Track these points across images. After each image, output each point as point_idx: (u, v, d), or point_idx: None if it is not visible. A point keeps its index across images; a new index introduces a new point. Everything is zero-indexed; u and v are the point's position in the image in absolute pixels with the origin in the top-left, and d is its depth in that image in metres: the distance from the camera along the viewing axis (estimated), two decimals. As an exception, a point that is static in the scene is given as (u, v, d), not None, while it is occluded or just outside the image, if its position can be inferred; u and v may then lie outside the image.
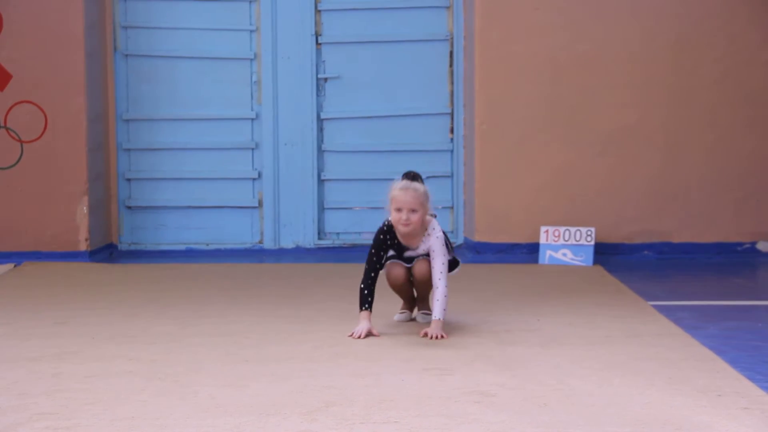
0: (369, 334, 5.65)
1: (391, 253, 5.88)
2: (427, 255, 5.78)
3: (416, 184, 5.70)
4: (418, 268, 5.82)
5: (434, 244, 5.76)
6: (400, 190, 5.66)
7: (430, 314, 5.84)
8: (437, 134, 9.08)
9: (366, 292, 5.70)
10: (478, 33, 8.53)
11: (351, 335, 5.65)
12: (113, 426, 4.18)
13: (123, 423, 4.21)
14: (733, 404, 4.44)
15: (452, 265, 5.92)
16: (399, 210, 5.65)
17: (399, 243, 5.80)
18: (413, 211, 5.63)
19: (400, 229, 5.68)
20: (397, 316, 6.13)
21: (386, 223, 5.80)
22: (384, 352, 5.33)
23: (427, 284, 5.85)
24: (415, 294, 6.11)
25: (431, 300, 5.79)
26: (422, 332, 5.65)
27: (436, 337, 5.57)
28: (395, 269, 5.88)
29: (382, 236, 5.80)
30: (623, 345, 5.51)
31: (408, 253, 5.84)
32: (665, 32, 8.48)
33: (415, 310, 6.16)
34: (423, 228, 5.75)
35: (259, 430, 4.10)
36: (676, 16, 8.47)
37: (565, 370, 5.00)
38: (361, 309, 5.70)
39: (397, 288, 6.00)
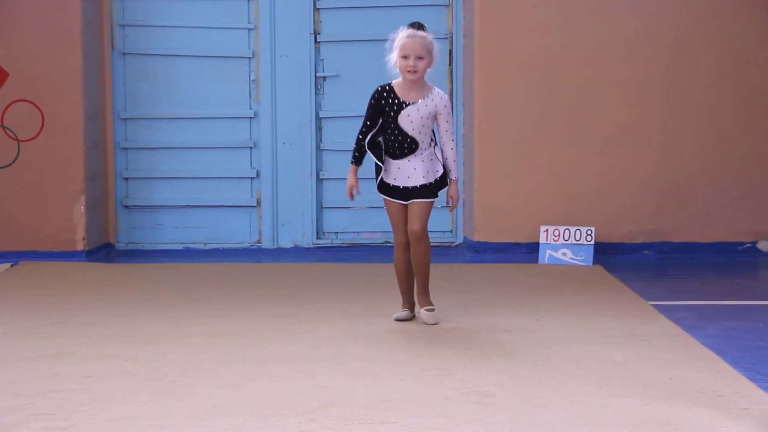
0: (351, 189, 6.01)
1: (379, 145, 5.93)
2: (424, 132, 5.89)
3: (422, 33, 5.81)
4: (414, 219, 5.87)
5: (441, 103, 5.90)
6: (407, 38, 5.77)
7: (434, 309, 5.97)
8: (436, 133, 9.05)
9: (356, 147, 5.98)
10: (477, 32, 8.53)
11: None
12: (110, 427, 4.18)
13: (120, 423, 4.21)
14: (734, 405, 4.44)
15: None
16: (406, 57, 5.76)
17: (398, 99, 5.86)
18: (420, 58, 5.76)
19: (407, 77, 5.78)
20: (397, 314, 6.08)
21: (382, 85, 5.93)
22: (383, 353, 5.33)
23: (421, 249, 5.91)
24: (413, 293, 6.05)
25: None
26: (448, 201, 5.99)
27: (455, 202, 5.97)
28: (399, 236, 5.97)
29: (377, 94, 5.91)
30: (623, 345, 5.51)
31: (406, 112, 5.84)
32: (664, 32, 8.48)
33: (417, 308, 6.09)
34: (425, 84, 5.89)
35: (257, 431, 4.11)
36: (675, 16, 8.47)
37: (565, 371, 5.00)
38: (351, 161, 6.02)
39: (400, 256, 6.01)
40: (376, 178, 6.03)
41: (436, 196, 5.99)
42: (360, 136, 5.96)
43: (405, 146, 5.92)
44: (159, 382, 4.83)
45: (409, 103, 5.87)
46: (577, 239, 8.29)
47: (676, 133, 8.54)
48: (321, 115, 9.09)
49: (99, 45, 8.85)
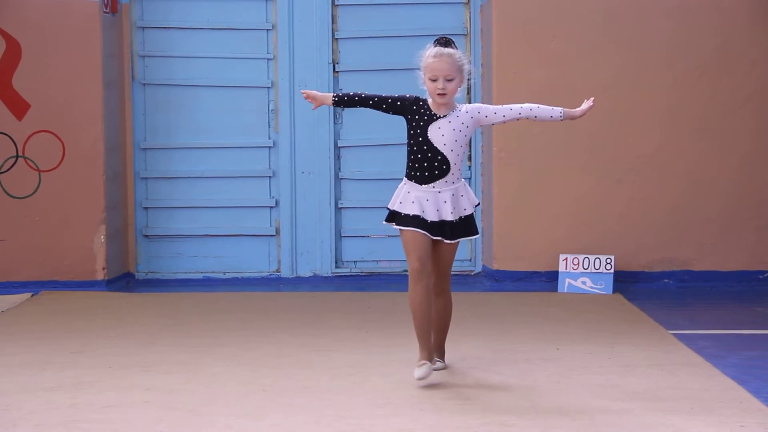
0: (313, 100, 5.58)
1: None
2: (455, 142, 5.36)
3: (450, 50, 5.38)
4: (444, 252, 5.38)
5: (473, 110, 5.42)
6: (433, 58, 5.36)
7: (443, 362, 5.54)
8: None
9: (352, 93, 5.64)
10: (495, 61, 8.54)
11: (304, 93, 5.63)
12: (130, 457, 4.17)
13: (140, 454, 4.21)
14: (756, 435, 4.41)
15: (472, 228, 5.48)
16: (434, 79, 5.33)
17: (430, 111, 5.40)
18: (449, 80, 5.33)
19: (437, 99, 5.35)
20: (419, 373, 5.18)
21: (418, 96, 5.51)
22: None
23: (445, 280, 5.45)
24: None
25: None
26: (584, 110, 5.60)
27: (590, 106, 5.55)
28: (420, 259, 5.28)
29: (412, 98, 5.50)
30: (644, 374, 5.49)
31: (437, 124, 5.36)
32: (684, 59, 8.47)
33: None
34: (454, 103, 5.44)
35: (277, 461, 4.09)
36: (694, 44, 8.47)
37: (585, 401, 4.98)
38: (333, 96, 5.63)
39: (415, 307, 5.26)
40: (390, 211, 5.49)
41: (474, 233, 5.43)
42: (362, 93, 5.61)
43: (435, 166, 5.34)
44: (178, 412, 4.83)
45: (441, 116, 5.38)
46: (597, 268, 8.27)
47: (696, 161, 8.51)
48: (339, 144, 9.11)
49: (119, 76, 8.89)
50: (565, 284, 8.30)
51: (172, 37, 9.08)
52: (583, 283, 8.27)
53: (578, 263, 8.32)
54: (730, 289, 8.35)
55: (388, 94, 5.53)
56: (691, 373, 5.50)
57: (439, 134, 5.35)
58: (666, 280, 8.54)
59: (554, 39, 8.50)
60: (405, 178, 5.44)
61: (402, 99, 5.50)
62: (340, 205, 9.12)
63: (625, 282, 8.40)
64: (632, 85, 8.50)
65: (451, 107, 5.39)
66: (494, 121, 5.46)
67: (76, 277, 8.49)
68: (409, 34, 9.02)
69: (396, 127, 9.04)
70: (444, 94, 5.31)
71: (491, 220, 8.60)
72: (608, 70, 8.49)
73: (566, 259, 8.34)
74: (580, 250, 8.40)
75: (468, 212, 5.38)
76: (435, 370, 5.29)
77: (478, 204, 5.52)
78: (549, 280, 8.43)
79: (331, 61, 9.05)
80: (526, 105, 5.43)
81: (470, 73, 5.47)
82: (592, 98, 5.53)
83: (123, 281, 8.87)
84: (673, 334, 6.54)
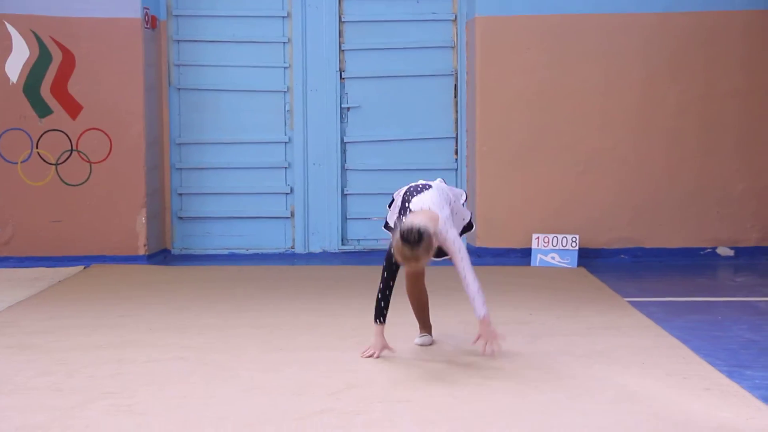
0: (384, 349, 4.91)
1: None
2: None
3: (417, 253, 4.55)
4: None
5: (449, 246, 4.72)
6: (402, 260, 4.64)
7: (428, 335, 5.24)
8: (444, 155, 9.08)
9: (383, 303, 4.85)
10: (478, 69, 8.54)
11: (365, 354, 4.91)
12: (167, 403, 4.19)
13: (175, 401, 4.23)
14: (697, 386, 4.43)
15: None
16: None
17: None
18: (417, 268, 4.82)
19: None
20: (418, 339, 5.27)
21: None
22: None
23: (417, 284, 5.05)
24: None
25: (470, 300, 4.76)
26: (476, 340, 4.76)
27: (490, 341, 4.69)
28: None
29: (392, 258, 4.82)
30: (603, 335, 5.50)
31: None
32: (636, 69, 8.47)
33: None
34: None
35: (292, 408, 4.11)
36: (645, 56, 8.46)
37: (554, 357, 4.99)
38: (375, 321, 4.89)
39: (412, 284, 5.10)
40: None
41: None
42: (384, 290, 4.87)
43: None
44: (208, 366, 4.84)
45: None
46: (564, 245, 8.27)
47: (647, 155, 8.52)
48: (345, 140, 9.10)
49: (158, 82, 8.89)
50: (537, 259, 8.31)
51: (202, 49, 9.07)
52: (552, 258, 8.27)
53: (548, 241, 8.32)
54: (676, 263, 8.37)
55: (391, 265, 4.82)
56: (642, 335, 5.51)
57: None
58: (622, 256, 8.55)
59: (529, 50, 8.49)
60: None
61: (391, 265, 4.83)
62: (345, 192, 9.12)
63: (588, 257, 8.41)
64: (595, 90, 8.49)
65: None
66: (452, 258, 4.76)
67: (121, 252, 8.50)
68: (405, 47, 9.01)
69: (394, 126, 9.07)
70: (415, 269, 4.84)
71: (474, 204, 8.60)
72: (573, 78, 8.49)
73: (538, 237, 8.35)
74: (550, 230, 8.41)
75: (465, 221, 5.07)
76: (422, 345, 5.15)
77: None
78: (523, 255, 8.45)
79: (338, 69, 9.04)
80: (472, 287, 4.69)
81: (433, 248, 4.63)
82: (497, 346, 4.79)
83: (161, 256, 8.89)
84: (628, 301, 6.55)
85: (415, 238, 4.52)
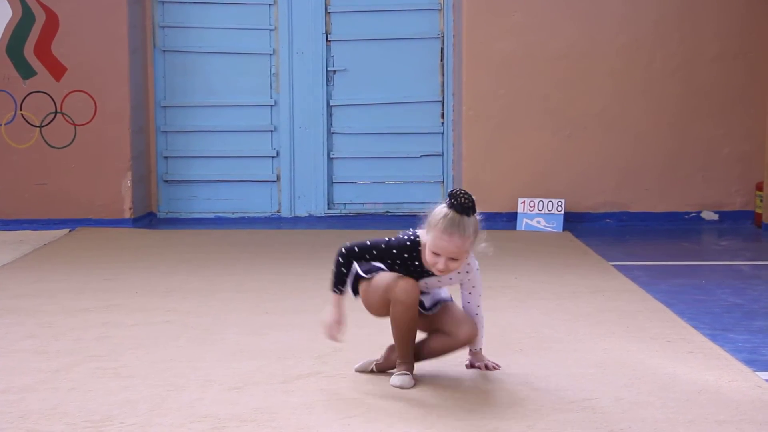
0: (340, 327, 3.95)
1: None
2: (446, 289, 4.03)
3: (465, 223, 3.72)
4: (468, 325, 3.92)
5: (474, 278, 3.95)
6: (443, 234, 3.68)
7: (408, 374, 3.91)
8: (430, 119, 9.06)
9: (342, 269, 3.89)
10: (465, 32, 8.50)
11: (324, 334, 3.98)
12: (153, 367, 4.20)
13: (162, 365, 4.23)
14: (681, 349, 4.46)
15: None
16: (436, 254, 3.71)
17: (420, 268, 3.84)
18: (454, 259, 3.74)
19: (433, 271, 3.79)
20: (399, 382, 3.89)
21: (413, 238, 3.83)
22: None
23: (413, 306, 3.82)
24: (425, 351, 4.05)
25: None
26: (472, 364, 4.08)
27: (493, 367, 4.07)
28: (409, 292, 3.78)
29: (397, 251, 3.81)
30: (588, 299, 5.52)
31: (427, 280, 3.88)
32: (624, 32, 8.45)
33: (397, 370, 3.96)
34: None
35: (278, 371, 4.12)
36: (633, 19, 8.45)
37: (538, 321, 5.01)
38: (334, 290, 3.93)
39: (405, 323, 3.84)
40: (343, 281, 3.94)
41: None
42: (347, 260, 3.88)
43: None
44: (194, 330, 4.85)
45: (432, 274, 3.83)
46: (550, 209, 8.29)
47: (633, 119, 8.53)
48: (332, 103, 9.07)
49: (143, 44, 8.82)
50: (522, 223, 8.33)
51: (188, 10, 9.00)
52: (538, 222, 8.29)
53: (534, 205, 8.34)
54: (661, 227, 8.40)
55: (381, 248, 3.83)
56: (627, 298, 5.54)
57: (423, 284, 3.89)
58: (607, 220, 8.58)
59: (516, 13, 8.45)
60: None
61: (386, 255, 3.84)
62: (332, 156, 9.10)
63: (573, 221, 8.44)
64: (582, 54, 8.48)
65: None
66: (462, 294, 4.00)
67: (106, 216, 8.49)
68: (392, 9, 8.97)
69: (379, 89, 9.03)
70: (444, 272, 3.76)
71: (461, 169, 8.60)
72: (562, 41, 8.46)
73: (524, 202, 8.36)
74: (535, 194, 8.42)
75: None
76: (401, 387, 3.88)
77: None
78: (509, 220, 8.46)
79: (324, 31, 8.99)
80: (481, 319, 3.99)
81: (477, 243, 3.83)
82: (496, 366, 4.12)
83: (146, 220, 8.87)
84: (613, 265, 6.58)
85: (469, 201, 3.73)
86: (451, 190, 3.76)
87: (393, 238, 3.86)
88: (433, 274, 3.83)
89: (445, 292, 4.03)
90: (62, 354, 4.39)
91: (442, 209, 3.72)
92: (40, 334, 4.75)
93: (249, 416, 3.56)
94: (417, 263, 3.83)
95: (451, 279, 3.91)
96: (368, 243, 3.87)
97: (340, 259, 3.88)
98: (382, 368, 4.07)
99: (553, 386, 3.90)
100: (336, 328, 3.94)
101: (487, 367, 4.07)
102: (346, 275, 3.90)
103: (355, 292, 3.98)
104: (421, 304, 3.92)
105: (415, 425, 3.47)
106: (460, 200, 3.74)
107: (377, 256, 3.85)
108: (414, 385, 3.90)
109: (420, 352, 4.01)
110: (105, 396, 3.79)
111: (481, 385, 3.93)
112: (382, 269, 3.88)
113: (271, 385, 3.93)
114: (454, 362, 4.16)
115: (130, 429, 3.44)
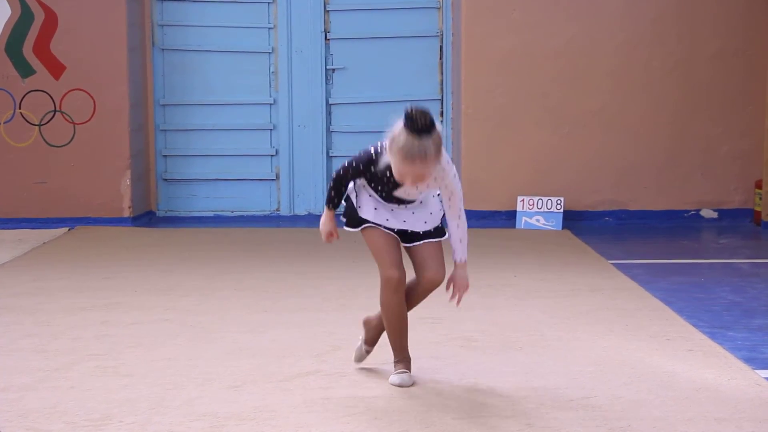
0: (331, 236, 3.99)
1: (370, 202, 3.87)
2: (424, 209, 3.90)
3: (425, 146, 3.52)
4: (432, 266, 3.86)
5: (451, 183, 3.77)
6: (404, 161, 3.55)
7: (407, 371, 3.92)
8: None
9: (333, 190, 3.91)
10: (464, 31, 8.49)
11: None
12: (152, 365, 4.20)
13: (161, 363, 4.24)
14: (680, 347, 4.47)
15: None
16: (402, 175, 3.62)
17: (393, 180, 3.73)
18: (420, 180, 3.63)
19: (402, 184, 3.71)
20: (398, 380, 3.91)
21: (377, 154, 3.74)
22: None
23: (398, 292, 3.85)
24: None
25: (453, 245, 3.88)
26: (449, 285, 3.92)
27: (461, 292, 3.90)
28: (394, 273, 3.82)
29: (371, 166, 3.75)
30: (587, 297, 5.53)
31: (400, 192, 3.81)
32: (623, 30, 8.45)
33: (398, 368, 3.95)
34: None
35: (277, 370, 4.12)
36: (632, 17, 8.45)
37: (538, 319, 5.02)
38: (327, 206, 3.96)
39: (393, 310, 3.87)
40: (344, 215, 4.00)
41: (444, 234, 3.93)
42: (338, 182, 3.87)
43: (402, 202, 3.86)
44: (193, 329, 4.85)
45: (404, 185, 3.73)
46: (549, 208, 8.29)
47: (632, 117, 8.53)
48: (331, 101, 9.07)
49: (141, 42, 8.82)
50: (522, 222, 8.33)
51: (186, 8, 9.00)
52: (537, 220, 8.30)
53: (533, 204, 8.34)
54: (660, 225, 8.40)
55: (355, 163, 3.80)
56: (626, 296, 5.54)
57: (404, 193, 3.81)
58: (607, 218, 8.58)
59: (515, 11, 8.45)
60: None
61: (360, 172, 3.80)
62: (330, 154, 9.10)
63: (573, 220, 8.44)
64: (580, 52, 8.47)
65: None
66: (443, 202, 3.86)
67: (105, 214, 8.48)
68: (389, 7, 8.96)
69: (379, 87, 9.03)
70: (413, 185, 3.67)
71: (460, 167, 8.59)
72: (560, 39, 8.46)
73: (523, 200, 8.36)
74: (534, 192, 8.43)
75: (436, 224, 3.91)
76: (400, 385, 3.89)
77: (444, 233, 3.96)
78: (508, 218, 8.46)
79: (323, 30, 8.99)
80: (463, 227, 3.87)
81: (443, 157, 3.68)
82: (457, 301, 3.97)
83: (146, 218, 8.87)
84: (612, 263, 6.58)
85: (425, 121, 3.52)
86: (406, 109, 3.55)
87: (363, 153, 3.79)
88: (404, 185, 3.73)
89: (434, 217, 3.91)
90: (61, 353, 4.40)
91: (400, 132, 3.55)
92: (39, 333, 4.75)
93: (248, 415, 3.57)
94: (389, 174, 3.72)
95: (428, 186, 3.76)
96: (347, 164, 3.82)
97: (332, 183, 3.89)
98: (371, 340, 4.08)
99: (552, 384, 3.91)
100: (329, 239, 3.99)
101: (455, 286, 3.88)
102: (339, 195, 3.89)
103: (355, 224, 3.95)
104: (408, 236, 3.86)
105: (415, 424, 3.48)
106: (417, 123, 3.53)
107: (358, 173, 3.81)
108: (413, 383, 3.91)
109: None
110: (104, 394, 3.80)
111: (480, 383, 3.93)
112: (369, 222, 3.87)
113: (270, 384, 3.93)
114: (454, 361, 4.16)
115: (129, 427, 3.44)
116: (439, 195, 3.90)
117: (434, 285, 3.88)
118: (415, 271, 3.90)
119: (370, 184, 3.84)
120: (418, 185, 3.67)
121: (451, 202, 3.81)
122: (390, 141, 3.60)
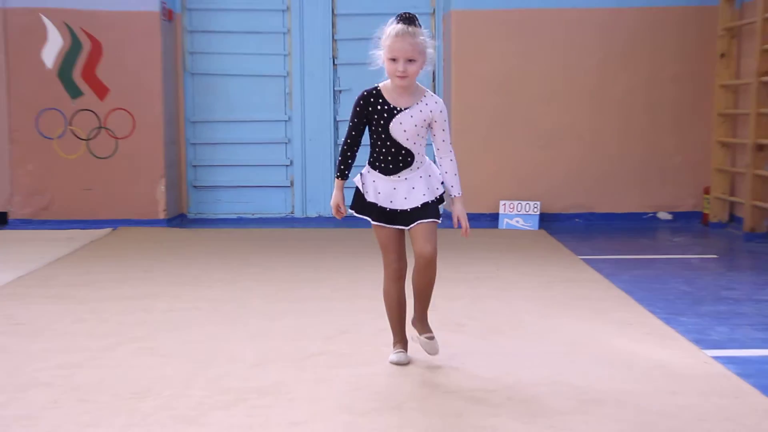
0: (339, 208, 3.82)
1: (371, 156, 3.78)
2: (421, 178, 3.78)
3: (414, 28, 3.62)
4: (425, 240, 3.73)
5: (436, 109, 3.70)
6: (395, 37, 3.61)
7: (434, 338, 3.90)
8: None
9: (340, 159, 3.80)
10: (454, 57, 8.53)
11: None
12: (186, 346, 4.23)
13: (192, 345, 4.27)
14: (639, 331, 4.49)
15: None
16: (394, 60, 3.62)
17: (388, 105, 3.72)
18: (411, 60, 3.61)
19: (396, 82, 3.68)
20: (395, 358, 3.93)
21: (368, 89, 3.82)
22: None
23: (430, 273, 3.79)
24: (408, 312, 4.02)
25: (454, 212, 3.80)
26: (456, 222, 3.84)
27: (466, 222, 3.81)
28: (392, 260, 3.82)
29: (363, 100, 3.75)
30: (560, 288, 5.54)
31: (398, 119, 3.70)
32: (591, 57, 8.49)
33: (416, 335, 3.97)
34: (417, 87, 3.74)
35: (292, 350, 4.15)
36: (599, 46, 8.49)
37: (517, 307, 5.04)
38: (336, 176, 3.84)
39: (394, 290, 3.87)
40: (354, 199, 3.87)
41: (440, 217, 3.87)
42: (345, 147, 3.79)
43: (399, 159, 3.75)
44: (219, 315, 4.87)
45: (401, 109, 3.70)
46: (527, 211, 8.32)
47: (598, 131, 8.56)
48: (337, 118, 9.11)
49: (174, 67, 8.85)
50: (503, 223, 8.36)
51: (213, 38, 9.03)
52: (517, 222, 8.32)
53: (513, 207, 8.37)
54: (623, 226, 8.43)
55: (352, 120, 3.81)
56: (593, 287, 5.55)
57: (401, 130, 3.72)
58: (577, 220, 8.61)
59: (498, 40, 8.48)
60: (368, 166, 3.84)
61: (360, 113, 3.78)
62: (338, 164, 9.12)
63: (548, 221, 8.47)
64: (556, 75, 8.51)
65: (415, 95, 3.72)
66: (433, 135, 3.80)
67: (144, 216, 8.52)
68: (389, 37, 8.98)
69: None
70: (405, 77, 3.63)
71: (450, 175, 8.61)
72: (536, 65, 8.50)
73: (505, 204, 8.39)
74: (515, 197, 8.45)
75: (440, 191, 3.86)
76: (429, 340, 3.90)
77: (443, 193, 3.90)
78: (492, 219, 8.50)
79: (331, 56, 9.03)
80: (451, 166, 3.83)
81: (433, 59, 3.72)
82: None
83: (178, 220, 8.90)
84: (582, 258, 6.60)
85: (412, 15, 3.68)
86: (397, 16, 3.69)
87: (355, 100, 3.82)
88: (404, 111, 3.67)
89: (433, 180, 3.82)
90: (107, 336, 4.43)
91: (389, 24, 3.67)
92: (88, 319, 4.78)
93: (268, 389, 3.60)
94: (381, 100, 3.71)
95: (422, 111, 3.68)
96: (348, 126, 3.82)
97: (340, 150, 3.82)
98: (422, 329, 3.93)
99: (529, 363, 3.94)
100: (338, 215, 3.83)
101: (461, 218, 3.80)
102: (347, 164, 3.79)
103: (361, 209, 3.83)
104: (410, 218, 3.75)
105: (410, 396, 3.50)
106: (404, 15, 3.69)
107: (358, 127, 3.77)
108: (409, 362, 3.93)
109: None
110: (144, 371, 3.83)
111: (467, 363, 3.95)
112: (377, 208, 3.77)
113: (286, 363, 3.96)
114: (445, 344, 4.19)
115: (165, 400, 3.48)
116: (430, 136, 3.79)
117: (422, 257, 3.72)
118: (414, 248, 3.81)
119: (370, 127, 3.74)
120: (408, 77, 3.61)
121: (446, 133, 3.74)
122: (382, 36, 3.69)
